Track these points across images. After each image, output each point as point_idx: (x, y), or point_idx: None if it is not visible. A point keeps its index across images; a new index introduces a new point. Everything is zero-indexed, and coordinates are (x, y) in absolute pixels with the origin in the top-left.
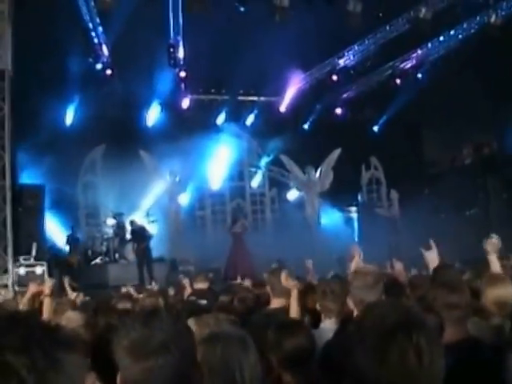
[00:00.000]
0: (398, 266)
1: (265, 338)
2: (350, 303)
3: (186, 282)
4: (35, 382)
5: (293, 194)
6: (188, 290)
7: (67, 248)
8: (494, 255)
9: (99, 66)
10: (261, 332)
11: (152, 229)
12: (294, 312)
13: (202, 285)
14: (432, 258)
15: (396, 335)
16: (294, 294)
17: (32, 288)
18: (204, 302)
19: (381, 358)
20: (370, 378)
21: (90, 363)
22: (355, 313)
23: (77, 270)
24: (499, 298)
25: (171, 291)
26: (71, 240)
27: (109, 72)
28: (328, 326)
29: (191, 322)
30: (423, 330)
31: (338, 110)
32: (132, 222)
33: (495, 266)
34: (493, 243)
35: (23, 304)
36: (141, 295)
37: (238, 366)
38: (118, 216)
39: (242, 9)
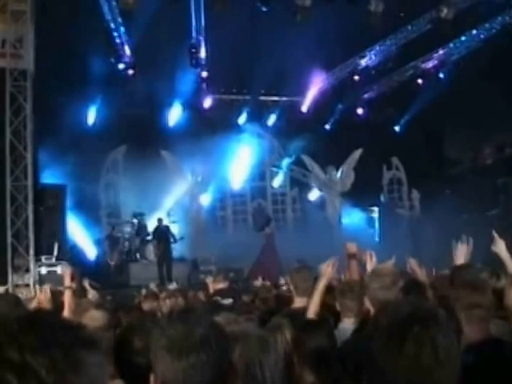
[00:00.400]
0: (413, 264)
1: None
2: (367, 303)
3: (209, 280)
4: (55, 382)
5: (314, 195)
6: (210, 290)
7: (106, 247)
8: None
9: (121, 66)
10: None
11: (176, 231)
12: (314, 311)
13: (222, 285)
14: (461, 253)
15: (412, 328)
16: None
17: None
18: (230, 300)
19: (397, 352)
20: (388, 372)
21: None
22: (372, 312)
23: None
24: None
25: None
26: (111, 240)
27: (131, 72)
28: (347, 325)
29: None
30: (439, 324)
31: (360, 110)
32: (159, 220)
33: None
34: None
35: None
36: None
37: (258, 365)
38: (139, 216)
39: (263, 8)
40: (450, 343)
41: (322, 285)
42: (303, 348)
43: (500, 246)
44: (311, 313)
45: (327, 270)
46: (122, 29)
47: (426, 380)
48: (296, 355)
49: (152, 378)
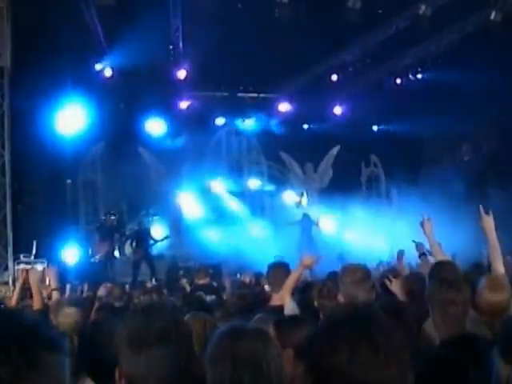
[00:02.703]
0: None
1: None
2: (341, 299)
3: (184, 282)
4: (9, 375)
5: (289, 195)
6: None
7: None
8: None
9: (98, 67)
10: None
11: (158, 233)
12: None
13: (203, 281)
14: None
15: (345, 329)
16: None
17: (19, 285)
18: (212, 297)
19: (333, 349)
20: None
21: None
22: None
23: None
24: (495, 304)
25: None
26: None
27: (109, 72)
28: None
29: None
30: (377, 326)
31: (338, 108)
32: (140, 224)
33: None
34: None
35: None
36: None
37: (264, 358)
38: (117, 213)
39: (239, 5)
40: (390, 346)
41: (297, 272)
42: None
43: (487, 221)
44: (286, 297)
45: (308, 261)
46: (100, 26)
47: (364, 377)
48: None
49: (117, 373)
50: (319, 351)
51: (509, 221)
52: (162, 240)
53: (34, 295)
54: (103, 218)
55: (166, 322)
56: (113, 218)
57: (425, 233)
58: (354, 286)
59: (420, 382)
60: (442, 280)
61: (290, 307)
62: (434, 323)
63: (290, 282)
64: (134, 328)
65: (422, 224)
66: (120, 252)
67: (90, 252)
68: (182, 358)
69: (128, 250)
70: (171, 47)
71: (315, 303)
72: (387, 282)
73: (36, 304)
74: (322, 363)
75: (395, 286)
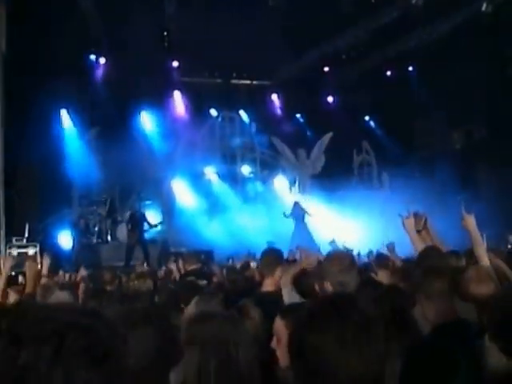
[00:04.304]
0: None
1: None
2: (328, 286)
3: (173, 266)
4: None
5: (280, 180)
6: (176, 274)
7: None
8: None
9: (93, 50)
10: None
11: (151, 218)
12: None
13: (194, 266)
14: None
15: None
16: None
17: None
18: (204, 282)
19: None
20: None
21: None
22: None
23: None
24: (480, 295)
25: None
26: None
27: (102, 60)
28: None
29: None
30: (357, 314)
31: (330, 97)
32: (135, 207)
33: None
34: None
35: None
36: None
37: (232, 342)
38: (110, 197)
39: None
40: (361, 338)
41: (296, 269)
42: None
43: (468, 221)
44: (284, 293)
45: (309, 262)
46: (95, 11)
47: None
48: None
49: None
50: (300, 331)
51: (498, 207)
52: (157, 226)
53: (28, 281)
54: (96, 202)
55: (148, 309)
56: (106, 202)
57: (407, 230)
58: (343, 273)
59: (410, 368)
60: (428, 268)
61: (288, 293)
62: (422, 311)
63: (288, 277)
64: (117, 310)
65: (403, 223)
66: (112, 236)
67: (81, 235)
68: (163, 341)
69: (121, 234)
70: (165, 34)
71: (316, 287)
72: (373, 275)
73: (29, 288)
74: (300, 341)
75: (382, 277)
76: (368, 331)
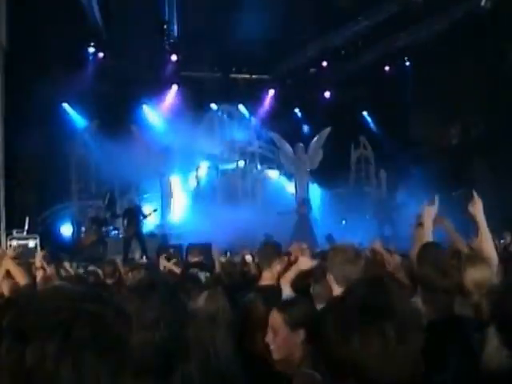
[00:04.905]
0: (378, 246)
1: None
2: (331, 280)
3: (162, 261)
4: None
5: (274, 174)
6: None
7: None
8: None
9: (91, 50)
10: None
11: (147, 207)
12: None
13: (196, 259)
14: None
15: (360, 321)
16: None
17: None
18: (207, 274)
19: (346, 341)
20: (338, 357)
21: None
22: (335, 288)
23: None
24: (478, 279)
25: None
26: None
27: (101, 54)
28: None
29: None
30: (392, 318)
31: (328, 92)
32: (131, 200)
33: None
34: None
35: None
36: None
37: (210, 343)
38: (109, 191)
39: None
40: (402, 336)
41: (294, 270)
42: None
43: (478, 207)
44: (285, 289)
45: (306, 262)
46: (95, 4)
47: (374, 369)
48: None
49: None
50: (331, 340)
51: (494, 203)
52: (150, 214)
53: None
54: (95, 195)
55: (160, 311)
56: (105, 196)
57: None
58: (347, 265)
59: None
60: (430, 264)
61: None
62: (423, 305)
63: (291, 274)
64: (129, 310)
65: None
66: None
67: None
68: (167, 344)
69: (120, 226)
70: (165, 27)
71: (311, 289)
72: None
73: (24, 279)
74: (334, 351)
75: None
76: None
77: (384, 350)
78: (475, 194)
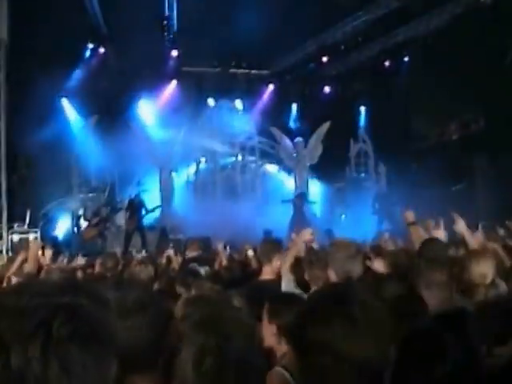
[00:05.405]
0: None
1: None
2: (332, 274)
3: (170, 253)
4: None
5: (273, 168)
6: (175, 261)
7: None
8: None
9: (91, 46)
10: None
11: (148, 201)
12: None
13: (195, 253)
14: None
15: (332, 306)
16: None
17: (21, 256)
18: (206, 268)
19: (322, 324)
20: (313, 338)
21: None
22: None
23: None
24: (479, 274)
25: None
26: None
27: (103, 45)
28: None
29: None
30: (357, 303)
31: (327, 87)
32: (136, 195)
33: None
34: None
35: (12, 272)
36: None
37: (225, 322)
38: (110, 185)
39: None
40: (369, 318)
41: (291, 254)
42: (279, 321)
43: (460, 225)
44: (284, 273)
45: (306, 236)
46: (96, 3)
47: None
48: (270, 326)
49: None
50: (301, 326)
51: (494, 198)
52: (154, 210)
53: (30, 260)
54: (95, 189)
55: (141, 295)
56: (106, 189)
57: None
58: (348, 261)
59: (405, 356)
60: (429, 259)
61: (287, 282)
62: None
63: (290, 257)
64: (114, 298)
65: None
66: (111, 223)
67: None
68: (158, 327)
69: (120, 221)
70: (165, 22)
71: (306, 276)
72: (367, 262)
73: (29, 267)
74: (304, 336)
75: (378, 264)
76: (375, 330)
77: (351, 330)
78: (455, 215)
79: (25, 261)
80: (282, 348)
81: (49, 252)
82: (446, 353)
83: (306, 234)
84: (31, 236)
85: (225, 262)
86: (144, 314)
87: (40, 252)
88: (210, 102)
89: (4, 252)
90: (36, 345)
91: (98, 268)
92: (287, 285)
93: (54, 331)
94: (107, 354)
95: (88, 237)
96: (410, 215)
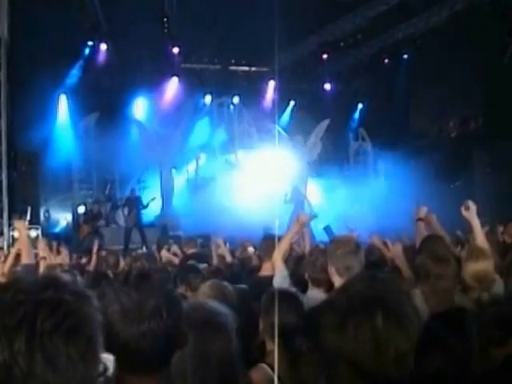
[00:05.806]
0: (376, 241)
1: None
2: (332, 271)
3: (165, 253)
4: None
5: (277, 166)
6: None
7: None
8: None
9: (94, 36)
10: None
11: (147, 198)
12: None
13: (192, 250)
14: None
15: (355, 312)
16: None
17: (15, 250)
18: (205, 265)
19: (340, 332)
20: (331, 350)
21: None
22: (337, 280)
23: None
24: (479, 272)
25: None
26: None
27: (103, 46)
28: (315, 294)
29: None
30: (385, 310)
31: (327, 84)
32: (132, 190)
33: (479, 233)
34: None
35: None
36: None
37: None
38: (110, 182)
39: None
40: (392, 330)
41: (292, 232)
42: (268, 318)
43: (472, 212)
44: (277, 260)
45: (303, 219)
46: (96, 0)
47: (367, 364)
48: (262, 323)
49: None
50: (327, 328)
51: (493, 195)
52: (148, 204)
53: (23, 251)
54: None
55: (159, 299)
56: (106, 186)
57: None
58: (348, 257)
59: None
60: (431, 254)
61: (281, 274)
62: (423, 296)
63: (284, 244)
64: (127, 302)
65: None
66: (111, 220)
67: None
68: (171, 332)
69: (120, 218)
70: (165, 20)
71: (306, 276)
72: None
73: (25, 260)
74: (329, 339)
75: (394, 251)
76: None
77: (374, 338)
78: (470, 201)
79: (19, 254)
80: (269, 345)
81: (41, 244)
82: (444, 352)
83: (303, 217)
84: (32, 233)
85: (229, 259)
86: (160, 321)
87: (48, 249)
88: (210, 98)
89: (5, 248)
90: (21, 339)
91: (93, 266)
92: (282, 281)
93: (37, 325)
94: (91, 346)
95: (82, 234)
96: (422, 211)
